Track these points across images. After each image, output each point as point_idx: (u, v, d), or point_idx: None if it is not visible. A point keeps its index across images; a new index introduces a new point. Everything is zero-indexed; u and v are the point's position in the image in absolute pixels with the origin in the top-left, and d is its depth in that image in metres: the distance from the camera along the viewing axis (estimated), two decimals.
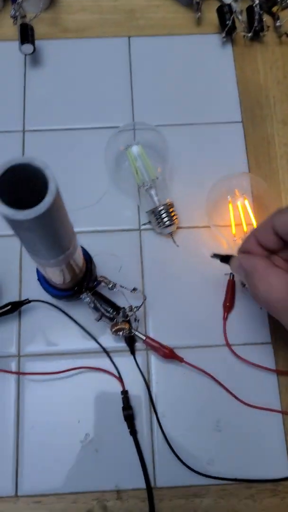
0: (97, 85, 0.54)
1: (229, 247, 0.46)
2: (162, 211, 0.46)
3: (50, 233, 0.29)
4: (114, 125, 0.52)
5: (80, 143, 0.52)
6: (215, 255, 0.43)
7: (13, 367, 0.44)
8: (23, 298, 0.46)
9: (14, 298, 0.46)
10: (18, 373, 0.44)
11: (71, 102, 0.53)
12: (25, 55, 0.52)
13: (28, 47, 0.51)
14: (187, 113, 0.53)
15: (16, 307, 0.44)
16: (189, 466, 0.41)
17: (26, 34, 0.51)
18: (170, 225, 0.46)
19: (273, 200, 0.48)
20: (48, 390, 0.44)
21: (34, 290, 0.46)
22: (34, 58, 0.55)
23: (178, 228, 0.48)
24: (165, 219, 0.46)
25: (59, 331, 0.46)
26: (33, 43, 0.51)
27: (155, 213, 0.47)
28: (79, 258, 0.38)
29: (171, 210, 0.47)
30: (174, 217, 0.47)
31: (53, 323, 0.46)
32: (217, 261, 0.42)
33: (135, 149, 0.47)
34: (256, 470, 0.42)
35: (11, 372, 0.43)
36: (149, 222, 0.48)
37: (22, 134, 0.52)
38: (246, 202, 0.47)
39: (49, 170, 0.26)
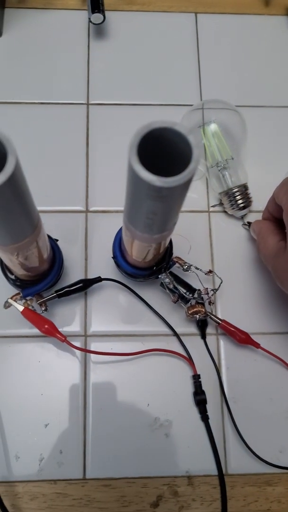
0: (163, 61, 0.52)
1: None
2: (237, 193, 0.45)
3: (176, 205, 0.27)
4: (180, 103, 0.51)
5: (144, 119, 0.50)
6: (248, 223, 0.46)
7: (79, 346, 0.43)
8: (89, 277, 0.44)
9: (80, 277, 0.44)
10: (88, 351, 0.42)
11: (135, 77, 0.52)
12: (92, 24, 0.50)
13: (98, 17, 0.49)
14: (254, 95, 0.52)
15: (87, 285, 0.42)
16: (258, 455, 0.40)
17: (97, 3, 0.49)
18: (244, 207, 0.45)
19: None
20: (115, 372, 0.42)
21: (100, 269, 0.44)
22: (98, 30, 0.53)
23: (249, 211, 0.47)
24: (240, 201, 0.45)
25: (126, 312, 0.44)
26: (103, 12, 0.49)
27: (228, 195, 0.45)
28: (170, 236, 0.36)
29: (246, 192, 0.45)
30: (249, 200, 0.45)
31: (120, 303, 0.44)
32: None
33: (212, 127, 0.46)
34: None
35: (81, 349, 0.42)
36: (220, 204, 0.47)
37: (86, 107, 0.50)
38: None
39: (192, 137, 0.25)
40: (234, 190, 0.45)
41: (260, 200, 0.47)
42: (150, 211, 0.28)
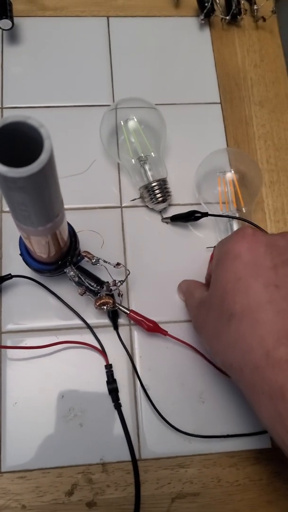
0: (76, 64, 0.54)
1: (217, 224, 0.47)
2: (156, 187, 0.47)
3: (42, 195, 0.29)
4: (95, 103, 0.52)
5: (59, 121, 0.52)
6: (165, 218, 0.48)
7: None
8: (3, 274, 0.45)
9: None
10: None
11: (50, 80, 0.53)
12: (2, 30, 0.51)
13: (6, 23, 0.50)
14: (167, 94, 0.54)
15: None
16: (176, 427, 0.42)
17: (5, 9, 0.50)
18: (163, 201, 0.47)
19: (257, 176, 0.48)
20: (31, 366, 0.43)
21: (15, 266, 0.45)
22: (11, 35, 0.54)
23: (169, 205, 0.49)
24: (158, 195, 0.47)
25: (41, 308, 0.45)
26: (11, 18, 0.50)
27: (148, 189, 0.47)
28: (65, 229, 0.38)
29: (165, 186, 0.47)
30: (167, 194, 0.47)
31: (35, 299, 0.45)
32: (201, 236, 0.45)
33: (131, 124, 0.47)
34: (239, 440, 0.43)
35: None
36: (141, 198, 0.48)
37: (0, 110, 0.51)
38: (233, 177, 0.47)
39: (44, 129, 0.26)
40: (153, 184, 0.47)
41: (179, 194, 0.49)
42: (19, 203, 0.29)
